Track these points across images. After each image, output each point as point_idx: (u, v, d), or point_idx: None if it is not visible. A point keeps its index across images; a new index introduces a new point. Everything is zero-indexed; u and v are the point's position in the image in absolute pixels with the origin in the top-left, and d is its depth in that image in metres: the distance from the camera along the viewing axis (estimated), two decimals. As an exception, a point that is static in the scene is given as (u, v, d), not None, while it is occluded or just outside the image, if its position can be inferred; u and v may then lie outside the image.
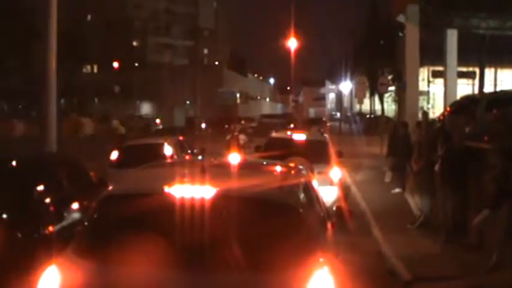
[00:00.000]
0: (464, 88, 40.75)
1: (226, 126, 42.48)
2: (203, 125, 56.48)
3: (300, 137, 14.08)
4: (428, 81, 50.90)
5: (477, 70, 40.05)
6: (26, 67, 40.02)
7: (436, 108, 46.97)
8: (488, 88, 41.88)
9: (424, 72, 46.58)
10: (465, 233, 9.73)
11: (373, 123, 48.51)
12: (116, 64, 70.58)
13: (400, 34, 25.16)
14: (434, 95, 50.98)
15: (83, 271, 4.24)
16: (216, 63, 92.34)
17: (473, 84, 43.60)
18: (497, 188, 8.32)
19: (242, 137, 28.87)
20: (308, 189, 5.33)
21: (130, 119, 53.81)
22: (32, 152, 10.68)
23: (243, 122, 37.12)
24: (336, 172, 12.35)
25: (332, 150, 13.28)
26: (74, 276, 4.20)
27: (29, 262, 6.26)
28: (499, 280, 8.05)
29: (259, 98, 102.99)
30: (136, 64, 75.54)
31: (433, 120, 18.24)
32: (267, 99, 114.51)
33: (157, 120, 61.67)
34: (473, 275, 8.34)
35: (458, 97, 25.22)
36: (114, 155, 14.90)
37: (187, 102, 70.63)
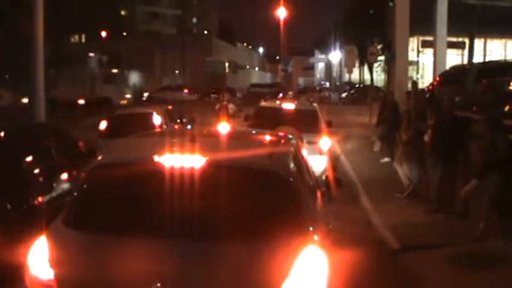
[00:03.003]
0: (454, 58, 40.80)
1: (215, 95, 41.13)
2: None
3: (289, 106, 14.06)
4: (418, 51, 50.91)
5: (467, 40, 40.10)
6: (13, 37, 39.50)
7: (425, 78, 47.08)
8: (477, 58, 41.97)
9: (413, 42, 46.55)
10: (453, 203, 9.81)
11: (362, 93, 48.49)
12: (103, 33, 69.88)
13: (391, 4, 24.98)
14: (424, 65, 51.07)
15: (73, 242, 4.24)
16: (205, 32, 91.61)
17: (462, 55, 43.67)
18: (485, 158, 8.38)
19: (231, 106, 28.89)
20: (297, 158, 5.32)
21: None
22: (21, 122, 10.62)
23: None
24: (325, 141, 12.37)
25: (322, 120, 13.29)
26: (64, 247, 4.20)
27: (19, 233, 6.26)
28: (486, 249, 8.15)
29: (248, 67, 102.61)
30: (124, 33, 74.80)
31: (422, 90, 18.22)
32: (256, 69, 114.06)
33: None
34: (461, 243, 8.42)
35: (447, 67, 25.24)
36: (103, 124, 14.85)
37: (176, 71, 70.18)
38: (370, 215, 10.38)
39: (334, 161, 13.59)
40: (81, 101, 38.05)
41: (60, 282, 4.05)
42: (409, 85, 20.86)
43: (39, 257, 4.16)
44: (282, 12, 57.43)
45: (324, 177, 10.58)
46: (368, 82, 54.53)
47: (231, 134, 6.22)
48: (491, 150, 8.33)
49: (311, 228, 4.32)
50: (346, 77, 65.98)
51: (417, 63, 51.40)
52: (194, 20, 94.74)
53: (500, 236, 8.41)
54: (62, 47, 47.55)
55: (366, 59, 42.47)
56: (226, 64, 75.09)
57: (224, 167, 4.48)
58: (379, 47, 37.15)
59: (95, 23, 60.05)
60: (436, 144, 10.31)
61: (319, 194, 5.65)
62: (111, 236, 4.17)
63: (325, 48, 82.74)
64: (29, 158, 7.79)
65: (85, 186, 4.62)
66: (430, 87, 21.09)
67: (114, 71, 64.51)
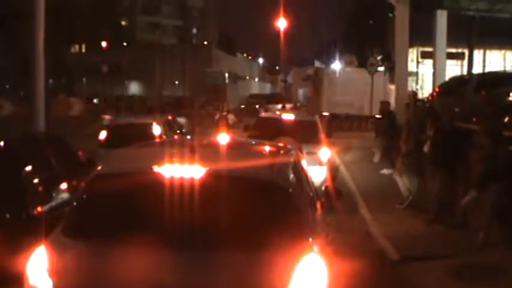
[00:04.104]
0: (453, 69, 40.75)
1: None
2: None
3: (289, 117, 14.07)
4: (417, 62, 50.92)
5: (466, 51, 40.10)
6: (13, 46, 39.64)
7: (424, 89, 47.05)
8: (476, 69, 41.98)
9: (413, 53, 46.54)
10: (452, 213, 9.80)
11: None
12: (104, 43, 70.02)
13: (390, 15, 25.05)
14: (423, 76, 51.05)
15: (72, 251, 4.23)
16: (205, 42, 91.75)
17: (462, 66, 43.61)
18: (485, 169, 8.38)
19: (231, 117, 28.96)
20: (297, 169, 5.33)
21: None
22: (20, 132, 10.61)
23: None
24: (325, 152, 12.37)
25: (321, 130, 13.29)
26: (63, 257, 4.20)
27: (18, 243, 6.24)
28: (486, 259, 8.14)
29: (248, 77, 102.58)
30: (124, 44, 74.94)
31: (422, 100, 18.24)
32: (256, 79, 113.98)
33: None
34: (460, 254, 8.41)
35: (447, 78, 25.25)
36: (103, 134, 14.85)
37: (176, 82, 70.20)
38: (370, 226, 10.37)
39: (334, 171, 13.57)
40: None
41: (59, 292, 4.05)
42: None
43: (38, 266, 4.15)
44: (282, 23, 57.40)
45: (323, 188, 10.55)
46: (368, 93, 54.52)
47: (231, 145, 6.23)
48: (491, 160, 8.34)
49: (310, 239, 4.32)
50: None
51: (417, 74, 51.37)
52: (194, 30, 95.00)
53: (499, 246, 8.40)
54: (63, 57, 47.63)
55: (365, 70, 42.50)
56: (226, 75, 75.05)
57: (224, 177, 4.48)
58: (378, 57, 37.19)
59: (95, 33, 60.19)
60: (435, 155, 10.31)
61: (318, 204, 5.65)
62: (110, 246, 4.17)
63: (325, 58, 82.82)
64: (29, 168, 7.78)
65: (84, 196, 4.62)
66: (430, 98, 21.08)
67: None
